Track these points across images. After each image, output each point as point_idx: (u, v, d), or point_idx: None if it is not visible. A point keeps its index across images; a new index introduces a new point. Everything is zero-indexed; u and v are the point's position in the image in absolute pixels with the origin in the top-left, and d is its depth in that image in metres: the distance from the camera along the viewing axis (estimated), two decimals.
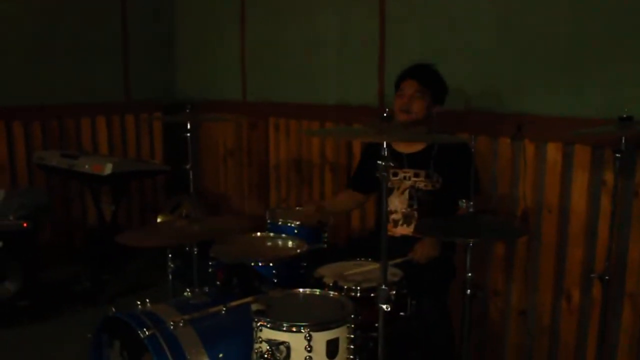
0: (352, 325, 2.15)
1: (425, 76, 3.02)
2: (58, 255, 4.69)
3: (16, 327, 3.73)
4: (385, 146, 1.99)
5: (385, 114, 2.11)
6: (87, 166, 4.04)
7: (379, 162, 1.99)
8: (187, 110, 3.21)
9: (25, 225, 3.78)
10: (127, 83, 5.15)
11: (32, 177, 4.72)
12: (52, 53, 4.76)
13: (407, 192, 3.06)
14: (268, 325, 2.09)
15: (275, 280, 2.72)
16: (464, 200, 2.37)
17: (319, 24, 4.14)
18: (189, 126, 3.13)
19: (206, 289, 2.63)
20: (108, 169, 3.93)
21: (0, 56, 4.54)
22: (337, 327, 2.10)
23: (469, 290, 2.28)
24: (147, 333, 2.15)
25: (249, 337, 2.16)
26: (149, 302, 2.41)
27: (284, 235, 3.10)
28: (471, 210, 2.32)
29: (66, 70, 4.82)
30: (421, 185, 3.04)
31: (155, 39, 5.31)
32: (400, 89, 3.05)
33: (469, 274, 2.31)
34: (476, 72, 3.29)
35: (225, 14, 4.89)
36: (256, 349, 2.11)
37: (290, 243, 3.02)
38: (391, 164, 2.01)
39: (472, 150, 2.60)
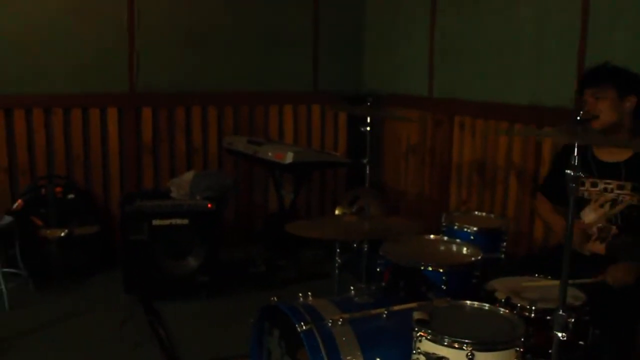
0: (521, 349, 1.94)
1: (596, 78, 2.73)
2: (239, 237, 4.90)
3: (194, 301, 3.93)
4: (576, 153, 1.77)
5: (579, 116, 1.87)
6: (269, 154, 4.14)
7: (568, 171, 1.78)
8: (368, 104, 3.15)
9: (210, 206, 3.97)
10: (315, 73, 5.22)
11: (221, 160, 4.97)
12: (247, 43, 4.96)
13: (607, 205, 2.74)
14: (428, 337, 1.95)
15: (444, 288, 2.57)
16: None
17: (514, 18, 3.87)
18: (368, 120, 3.08)
19: (372, 288, 2.56)
20: (289, 158, 4.00)
21: (199, 46, 4.83)
22: (504, 349, 1.91)
23: None
24: (304, 327, 2.12)
25: (408, 346, 2.04)
26: (311, 295, 2.37)
27: (458, 240, 2.94)
28: None
29: (259, 59, 5.00)
30: (626, 198, 2.70)
31: (345, 31, 5.32)
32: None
33: None
34: None
35: (415, 5, 4.76)
36: (414, 359, 1.99)
37: (464, 249, 2.85)
38: (581, 174, 1.79)
39: None
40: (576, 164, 1.74)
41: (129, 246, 3.90)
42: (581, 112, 1.88)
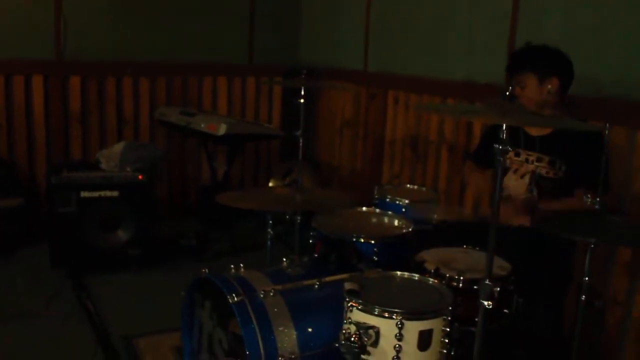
0: (449, 318, 1.99)
1: (516, 66, 2.80)
2: (172, 210, 4.84)
3: (124, 274, 3.87)
4: (504, 128, 1.80)
5: (507, 93, 1.91)
6: (202, 125, 4.08)
7: (496, 145, 1.81)
8: (302, 76, 3.13)
9: (140, 177, 3.88)
10: (251, 46, 5.15)
11: (153, 132, 4.86)
12: (180, 12, 4.84)
13: (527, 177, 2.83)
14: (359, 307, 1.97)
15: (376, 259, 2.60)
16: (589, 196, 2.14)
17: None
18: (302, 92, 3.06)
19: (305, 260, 2.57)
20: (222, 129, 3.94)
21: (129, 14, 4.68)
22: (432, 317, 1.96)
23: (584, 297, 2.05)
24: (235, 299, 2.10)
25: (340, 316, 2.06)
26: (243, 267, 2.36)
27: (390, 212, 2.97)
28: (597, 207, 2.08)
29: (193, 29, 4.90)
30: (543, 171, 2.80)
31: (282, 3, 5.27)
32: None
33: (586, 278, 2.08)
34: (627, 55, 2.94)
35: None
36: (344, 329, 2.01)
37: (396, 222, 2.89)
38: (509, 148, 1.83)
39: (605, 140, 2.34)
40: (505, 138, 1.77)
41: (56, 219, 3.78)
42: (510, 88, 1.91)
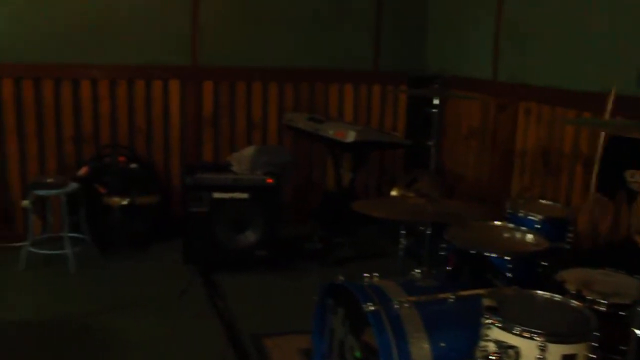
0: (595, 344, 1.91)
1: None
2: (297, 214, 4.92)
3: (251, 274, 4.00)
4: None
5: None
6: (330, 132, 4.13)
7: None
8: (436, 86, 3.12)
9: (269, 181, 3.99)
10: (377, 53, 5.17)
11: (281, 136, 4.99)
12: (307, 19, 4.94)
13: None
14: (499, 325, 1.93)
15: (510, 276, 2.54)
16: None
17: (585, 1, 3.75)
18: (435, 102, 3.05)
19: (435, 272, 2.55)
20: (351, 136, 3.98)
21: (259, 22, 4.83)
22: (577, 342, 1.88)
23: None
24: (371, 308, 2.12)
25: (475, 332, 2.02)
26: (376, 276, 2.37)
27: (523, 228, 2.88)
28: None
29: (320, 36, 4.98)
30: None
31: (409, 11, 5.24)
32: None
33: None
34: None
35: None
36: (482, 347, 1.97)
37: (529, 237, 2.80)
38: None
39: None
40: None
41: (189, 217, 3.96)
42: None
